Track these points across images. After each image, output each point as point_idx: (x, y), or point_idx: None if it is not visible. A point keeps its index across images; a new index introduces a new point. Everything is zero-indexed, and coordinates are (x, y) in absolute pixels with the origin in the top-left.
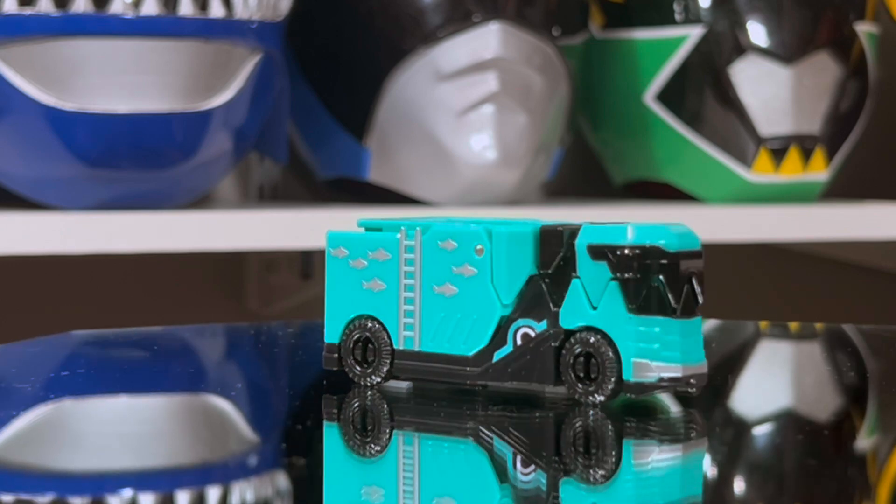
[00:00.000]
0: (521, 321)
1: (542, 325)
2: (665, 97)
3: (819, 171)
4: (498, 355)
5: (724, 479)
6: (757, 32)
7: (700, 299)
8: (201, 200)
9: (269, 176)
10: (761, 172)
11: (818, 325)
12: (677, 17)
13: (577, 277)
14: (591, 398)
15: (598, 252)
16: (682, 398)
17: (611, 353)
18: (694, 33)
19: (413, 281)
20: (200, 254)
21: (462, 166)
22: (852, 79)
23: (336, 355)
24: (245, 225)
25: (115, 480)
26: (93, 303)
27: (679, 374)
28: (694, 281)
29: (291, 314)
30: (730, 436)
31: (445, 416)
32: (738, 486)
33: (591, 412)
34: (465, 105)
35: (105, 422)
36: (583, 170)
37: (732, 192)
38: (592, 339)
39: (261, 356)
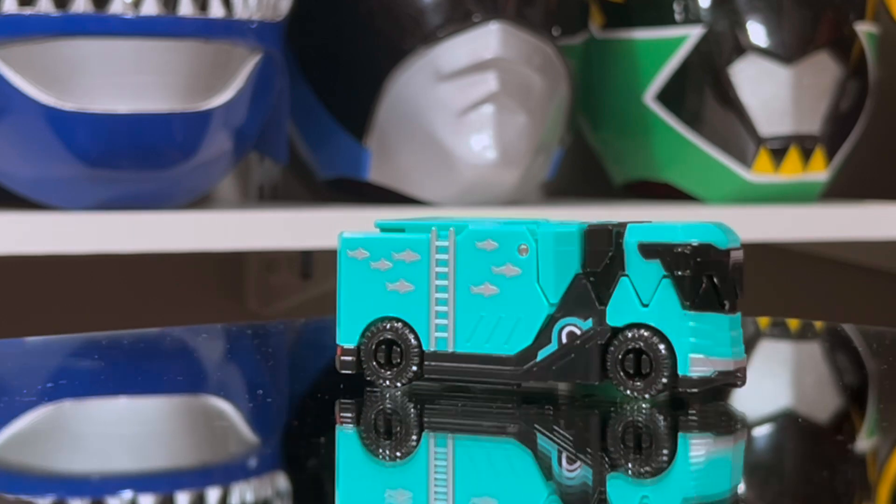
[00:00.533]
0: (565, 320)
1: (588, 324)
2: (665, 97)
3: (819, 171)
4: (542, 354)
5: (765, 473)
6: (757, 32)
7: (740, 295)
8: (201, 200)
9: (269, 176)
10: (761, 172)
11: (818, 325)
12: (677, 17)
13: (626, 276)
14: (643, 394)
15: (650, 250)
16: (676, 397)
17: (663, 349)
18: (694, 33)
19: (446, 282)
20: (200, 254)
21: (462, 166)
22: (852, 79)
23: (353, 358)
24: (245, 225)
25: (143, 481)
26: (93, 303)
27: (731, 368)
28: (736, 277)
29: (291, 314)
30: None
31: (471, 416)
32: (772, 480)
33: (629, 408)
34: (465, 105)
35: (134, 422)
36: (583, 170)
37: (732, 192)
38: (646, 335)
39: (273, 357)
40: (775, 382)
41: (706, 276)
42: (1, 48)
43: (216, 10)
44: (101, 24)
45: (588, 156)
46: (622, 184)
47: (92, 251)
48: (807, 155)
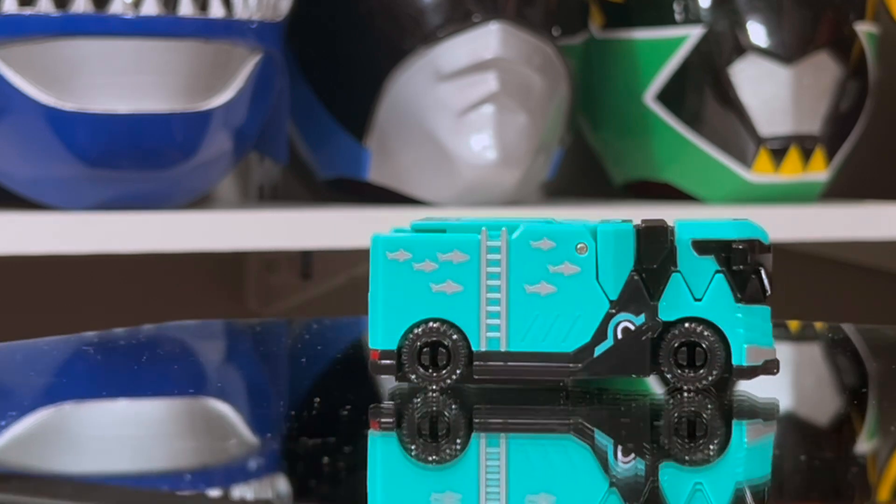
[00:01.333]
0: (620, 315)
1: (641, 319)
2: (665, 97)
3: (819, 171)
4: (598, 350)
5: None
6: (757, 32)
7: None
8: (201, 200)
9: (269, 176)
10: (761, 172)
11: (818, 325)
12: (677, 17)
13: (678, 271)
14: (697, 384)
15: (704, 247)
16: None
17: (718, 341)
18: (694, 33)
19: (498, 281)
20: (200, 254)
21: (462, 166)
22: (852, 79)
23: (391, 362)
24: (245, 225)
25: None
26: (93, 303)
27: (773, 357)
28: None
29: (291, 314)
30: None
31: (515, 413)
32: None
33: (673, 399)
34: (465, 105)
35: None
36: (583, 170)
37: (732, 192)
38: (699, 329)
39: (297, 355)
40: (776, 382)
41: (755, 271)
42: (1, 48)
43: (216, 10)
44: (101, 24)
45: (588, 156)
46: (622, 184)
47: (92, 251)
48: (807, 155)
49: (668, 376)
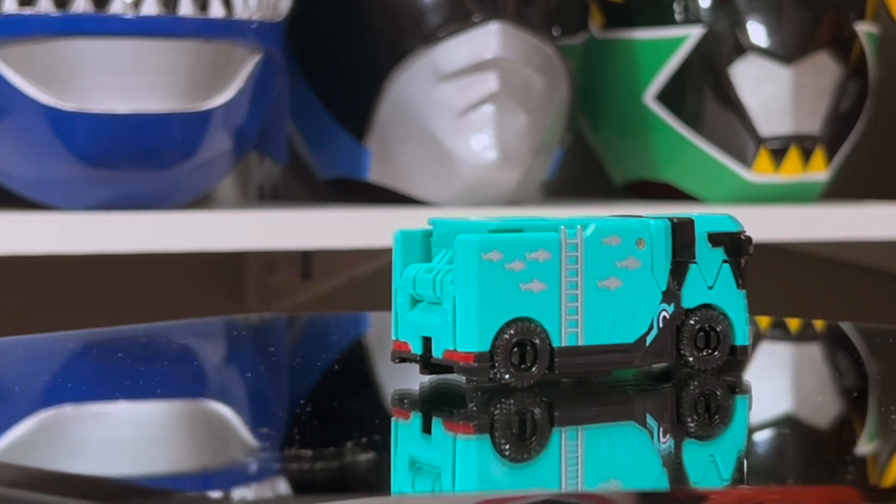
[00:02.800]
0: (661, 306)
1: (672, 308)
2: (665, 97)
3: (819, 171)
4: (649, 339)
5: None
6: (757, 32)
7: None
8: (201, 200)
9: (269, 176)
10: (761, 172)
11: (818, 325)
12: (677, 17)
13: (695, 262)
14: (713, 365)
15: (717, 239)
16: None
17: (728, 325)
18: (694, 33)
19: (576, 278)
20: (200, 254)
21: (462, 166)
22: (852, 79)
23: (484, 364)
24: (245, 225)
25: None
26: (93, 303)
27: (751, 338)
28: None
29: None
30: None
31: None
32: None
33: (695, 381)
34: (465, 105)
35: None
36: (583, 170)
37: (732, 192)
38: (715, 314)
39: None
40: (774, 382)
41: (745, 260)
42: (1, 48)
43: (216, 10)
44: (101, 24)
45: (588, 156)
46: (622, 184)
47: (92, 251)
48: (807, 155)
49: (690, 360)
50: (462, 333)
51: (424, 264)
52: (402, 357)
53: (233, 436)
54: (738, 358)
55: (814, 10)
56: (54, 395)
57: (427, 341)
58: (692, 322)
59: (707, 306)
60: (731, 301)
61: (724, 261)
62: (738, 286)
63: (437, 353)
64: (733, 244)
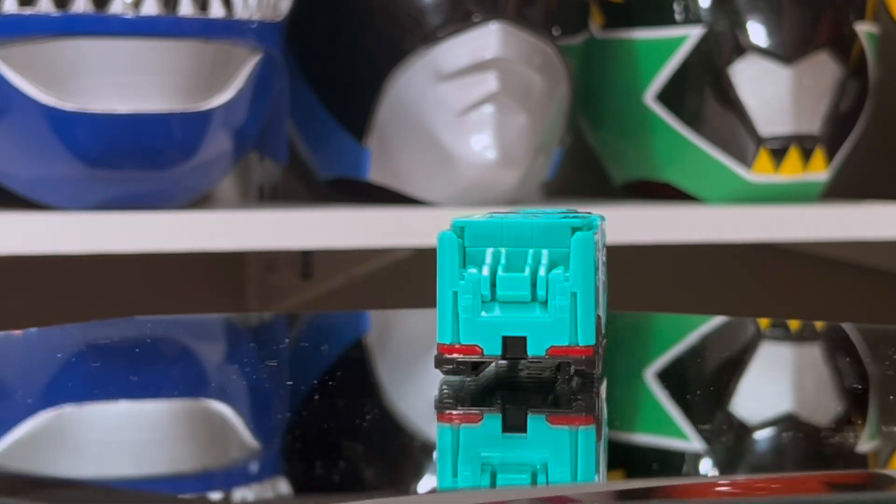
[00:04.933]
0: None
1: None
2: (665, 97)
3: (819, 171)
4: None
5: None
6: (757, 32)
7: None
8: (201, 200)
9: (269, 176)
10: (761, 172)
11: (818, 325)
12: (677, 17)
13: None
14: None
15: None
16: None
17: None
18: (694, 33)
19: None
20: (200, 254)
21: (462, 166)
22: (852, 79)
23: (595, 355)
24: (245, 225)
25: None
26: (92, 303)
27: None
28: None
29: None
30: (731, 438)
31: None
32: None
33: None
34: (465, 105)
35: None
36: (583, 170)
37: (732, 192)
38: None
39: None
40: (775, 382)
41: None
42: (1, 48)
43: (216, 10)
44: (101, 24)
45: (588, 156)
46: (622, 184)
47: (92, 251)
48: (807, 155)
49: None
50: (583, 328)
51: (487, 265)
52: (458, 363)
53: (233, 436)
54: None
55: (814, 10)
56: (54, 394)
57: (515, 341)
58: None
59: None
60: None
61: None
62: None
63: (536, 351)
64: None
